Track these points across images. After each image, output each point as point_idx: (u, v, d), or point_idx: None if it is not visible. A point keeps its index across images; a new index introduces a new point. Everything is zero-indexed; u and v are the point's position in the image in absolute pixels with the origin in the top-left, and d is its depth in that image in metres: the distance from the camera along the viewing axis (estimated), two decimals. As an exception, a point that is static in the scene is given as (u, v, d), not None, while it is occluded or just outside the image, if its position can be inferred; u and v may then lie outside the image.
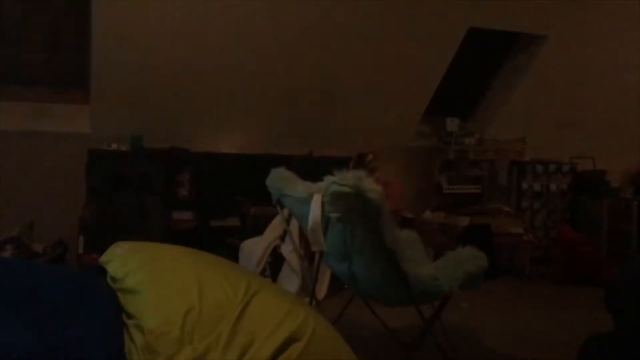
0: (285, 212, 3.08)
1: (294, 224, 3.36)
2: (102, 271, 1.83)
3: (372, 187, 2.10)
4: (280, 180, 2.67)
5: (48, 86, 4.57)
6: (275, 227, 3.93)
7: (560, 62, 5.27)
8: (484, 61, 5.56)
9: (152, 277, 1.67)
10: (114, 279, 1.74)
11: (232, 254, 3.94)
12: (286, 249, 3.79)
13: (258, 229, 4.11)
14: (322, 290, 3.76)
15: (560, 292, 4.40)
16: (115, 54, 4.12)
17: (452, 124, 5.40)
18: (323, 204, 2.18)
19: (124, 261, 1.79)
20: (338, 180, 2.11)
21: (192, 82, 4.47)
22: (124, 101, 4.40)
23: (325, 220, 2.21)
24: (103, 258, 1.89)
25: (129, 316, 1.54)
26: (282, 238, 3.89)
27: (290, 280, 3.71)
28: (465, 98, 5.76)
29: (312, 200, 2.24)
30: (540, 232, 5.48)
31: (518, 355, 2.93)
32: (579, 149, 5.65)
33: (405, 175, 5.47)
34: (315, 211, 2.21)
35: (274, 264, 3.89)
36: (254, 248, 3.94)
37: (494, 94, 5.71)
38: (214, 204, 4.74)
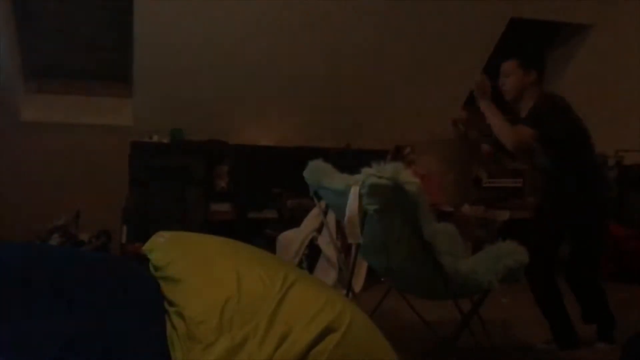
0: (323, 204, 3.09)
1: (331, 216, 3.37)
2: (145, 260, 1.88)
3: (410, 179, 2.08)
4: (317, 172, 2.67)
5: (93, 80, 4.71)
6: (312, 220, 3.95)
7: (605, 52, 5.10)
8: (526, 52, 5.42)
9: (192, 266, 1.71)
10: (156, 267, 1.78)
11: (270, 246, 3.98)
12: (323, 241, 3.81)
13: (295, 221, 4.15)
14: (358, 282, 3.77)
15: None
16: (156, 50, 4.21)
17: (492, 116, 5.28)
18: (360, 196, 2.17)
19: (166, 250, 1.84)
20: (376, 173, 2.10)
21: (230, 77, 4.52)
22: (165, 95, 4.50)
23: (363, 213, 2.21)
24: (145, 247, 1.94)
25: (171, 304, 1.58)
26: (319, 230, 3.91)
27: (327, 273, 3.73)
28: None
29: (349, 193, 2.24)
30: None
31: (557, 352, 2.87)
32: (625, 141, 5.45)
33: (444, 168, 5.40)
34: (352, 203, 2.20)
35: (311, 256, 3.92)
36: (291, 240, 3.97)
37: (536, 86, 5.56)
38: (251, 196, 4.80)
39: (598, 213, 2.82)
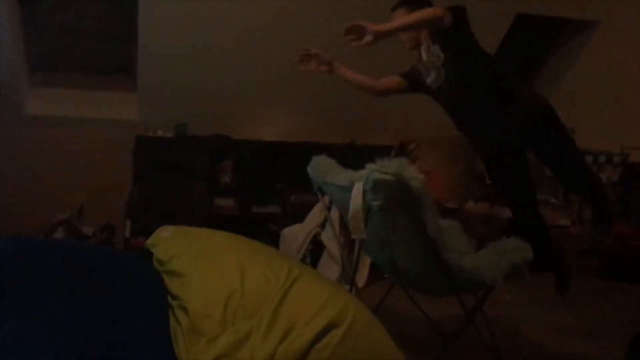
0: (326, 199, 3.08)
1: (335, 212, 3.37)
2: (148, 254, 1.89)
3: (414, 175, 2.08)
4: (321, 168, 2.67)
5: (98, 74, 4.71)
6: (315, 215, 3.94)
7: (613, 49, 5.07)
8: (532, 48, 5.40)
9: (196, 260, 1.71)
10: (159, 262, 1.79)
11: (273, 241, 3.98)
12: (326, 237, 3.80)
13: (298, 217, 4.14)
14: (362, 278, 3.76)
15: (608, 287, 4.27)
16: (161, 43, 4.20)
17: (497, 112, 5.26)
18: (364, 192, 2.17)
19: (169, 245, 1.84)
20: (380, 168, 2.10)
21: (235, 71, 4.51)
22: (170, 89, 4.49)
23: (366, 209, 2.20)
24: (149, 241, 1.94)
25: (174, 297, 1.58)
26: (323, 226, 3.91)
27: (330, 268, 3.72)
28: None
29: (353, 188, 2.24)
30: (589, 224, 5.32)
31: (561, 350, 2.86)
32: (631, 139, 5.43)
33: (448, 164, 5.38)
34: (356, 199, 2.20)
35: (314, 251, 3.91)
36: (295, 235, 3.97)
37: (542, 82, 5.54)
38: (255, 191, 4.80)
39: (529, 113, 2.59)
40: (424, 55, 2.67)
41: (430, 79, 2.72)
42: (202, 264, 1.68)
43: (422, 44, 2.68)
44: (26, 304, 1.34)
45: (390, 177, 2.07)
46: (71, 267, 1.57)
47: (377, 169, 2.10)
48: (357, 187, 2.20)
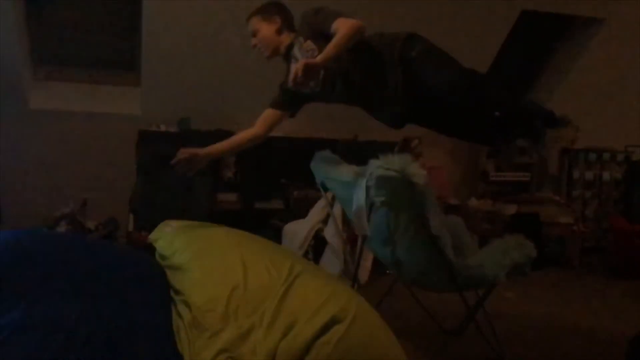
0: (329, 195, 3.09)
1: (337, 208, 3.37)
2: (151, 248, 1.89)
3: (418, 171, 2.08)
4: (325, 163, 2.67)
5: (101, 69, 4.70)
6: (318, 211, 3.94)
7: (617, 46, 5.04)
8: (536, 45, 5.37)
9: (198, 255, 1.71)
10: (162, 256, 1.79)
11: (276, 236, 3.98)
12: (329, 233, 3.81)
13: (301, 212, 4.14)
14: (364, 274, 3.76)
15: (610, 285, 4.27)
16: (165, 38, 4.19)
17: (501, 109, 5.25)
18: (368, 188, 2.17)
19: (172, 239, 1.84)
20: (384, 165, 2.10)
21: (238, 66, 4.50)
22: (173, 84, 4.49)
23: (370, 205, 2.21)
24: (152, 236, 1.95)
25: (177, 292, 1.58)
26: (325, 221, 3.91)
27: (333, 264, 3.73)
28: (516, 83, 5.60)
29: (356, 184, 2.24)
30: (592, 222, 5.31)
31: (562, 347, 2.86)
32: (635, 137, 5.41)
33: (451, 161, 5.37)
34: (359, 195, 2.20)
35: (317, 247, 3.91)
36: (297, 231, 3.97)
37: (546, 79, 5.52)
38: (258, 186, 4.80)
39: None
40: (299, 55, 2.45)
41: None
42: (204, 259, 1.69)
43: (294, 44, 2.50)
44: (31, 296, 1.35)
45: (394, 173, 2.07)
46: (75, 260, 1.57)
47: (381, 165, 2.10)
48: (360, 183, 2.20)
